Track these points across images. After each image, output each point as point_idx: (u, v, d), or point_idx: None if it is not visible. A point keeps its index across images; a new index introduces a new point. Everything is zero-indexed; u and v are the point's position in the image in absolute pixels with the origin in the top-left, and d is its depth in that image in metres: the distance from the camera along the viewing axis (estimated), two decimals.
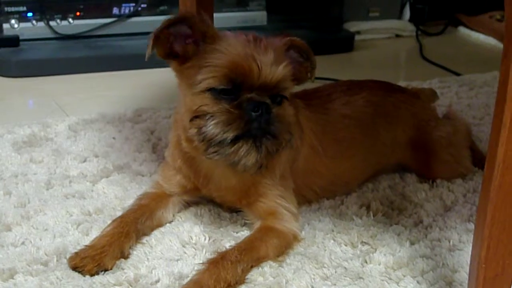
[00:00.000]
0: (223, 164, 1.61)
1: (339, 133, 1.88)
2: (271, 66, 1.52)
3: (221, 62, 1.51)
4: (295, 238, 1.66)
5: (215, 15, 1.99)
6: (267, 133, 1.52)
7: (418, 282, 1.53)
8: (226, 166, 1.62)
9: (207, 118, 1.50)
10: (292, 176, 1.77)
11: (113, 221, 1.66)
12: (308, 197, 1.86)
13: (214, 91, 1.51)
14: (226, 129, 1.49)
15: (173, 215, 1.78)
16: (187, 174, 1.74)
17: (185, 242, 1.66)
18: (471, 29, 4.23)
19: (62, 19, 3.37)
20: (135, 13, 3.49)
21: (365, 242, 1.68)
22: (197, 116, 1.52)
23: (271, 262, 1.58)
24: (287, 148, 1.60)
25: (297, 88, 1.70)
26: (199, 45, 1.56)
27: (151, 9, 3.52)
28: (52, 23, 3.34)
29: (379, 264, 1.59)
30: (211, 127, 1.49)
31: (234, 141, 1.50)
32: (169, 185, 1.78)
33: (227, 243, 1.65)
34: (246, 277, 1.52)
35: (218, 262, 1.49)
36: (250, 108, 1.50)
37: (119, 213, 1.75)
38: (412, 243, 1.68)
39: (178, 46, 1.58)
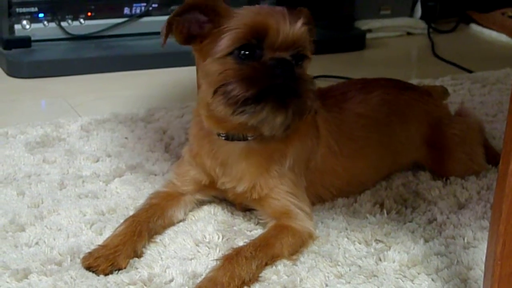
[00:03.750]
0: (236, 150, 1.65)
1: (354, 132, 1.87)
2: (289, 24, 1.52)
3: (239, 23, 1.52)
4: (310, 237, 1.66)
5: None
6: (291, 90, 1.51)
7: (432, 279, 1.52)
8: (238, 152, 1.66)
9: (231, 80, 1.50)
10: (309, 176, 1.76)
11: (125, 220, 1.66)
12: (324, 197, 1.85)
13: (235, 54, 1.52)
14: (251, 85, 1.48)
15: (185, 214, 1.78)
16: (204, 164, 1.73)
17: (198, 241, 1.66)
18: (483, 26, 4.21)
19: (73, 19, 3.37)
20: (146, 13, 3.50)
21: (379, 240, 1.67)
22: (222, 84, 1.51)
23: (285, 261, 1.57)
24: (311, 112, 1.59)
25: None
26: (215, 22, 1.55)
27: (162, 9, 3.52)
28: (63, 23, 3.35)
29: (393, 262, 1.58)
30: (236, 86, 1.48)
31: (260, 98, 1.49)
32: (183, 182, 1.78)
33: (241, 242, 1.64)
34: (260, 275, 1.52)
35: (232, 258, 1.49)
36: (273, 65, 1.49)
37: (132, 213, 1.75)
38: (426, 241, 1.67)
39: (195, 30, 1.58)
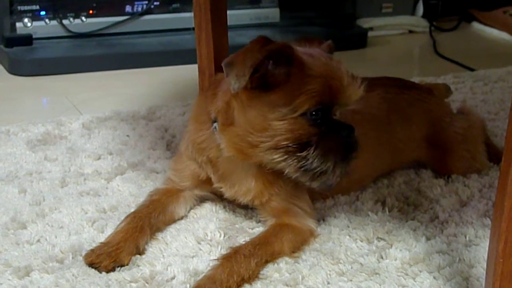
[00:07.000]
0: (243, 168, 1.65)
1: None
2: (355, 85, 1.56)
3: (315, 86, 1.50)
4: (311, 234, 1.66)
5: (228, 12, 1.98)
6: (352, 157, 1.57)
7: (434, 277, 1.52)
8: (246, 170, 1.65)
9: (306, 147, 1.52)
10: None
11: (126, 217, 1.66)
12: (321, 192, 1.85)
13: (308, 116, 1.51)
14: (327, 159, 1.52)
15: (186, 210, 1.79)
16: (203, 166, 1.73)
17: (200, 238, 1.66)
18: (485, 24, 4.21)
19: (75, 17, 3.38)
20: (148, 11, 3.50)
21: (380, 238, 1.67)
22: (294, 145, 1.52)
23: (287, 258, 1.57)
24: None
25: None
26: (287, 73, 1.50)
27: (164, 7, 3.53)
28: (65, 21, 3.35)
29: (395, 260, 1.58)
30: (314, 157, 1.52)
31: (333, 168, 1.54)
32: (181, 178, 1.78)
33: (242, 240, 1.64)
34: (262, 273, 1.52)
35: (231, 256, 1.50)
36: (346, 135, 1.55)
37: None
38: (428, 239, 1.67)
39: (271, 77, 1.51)
